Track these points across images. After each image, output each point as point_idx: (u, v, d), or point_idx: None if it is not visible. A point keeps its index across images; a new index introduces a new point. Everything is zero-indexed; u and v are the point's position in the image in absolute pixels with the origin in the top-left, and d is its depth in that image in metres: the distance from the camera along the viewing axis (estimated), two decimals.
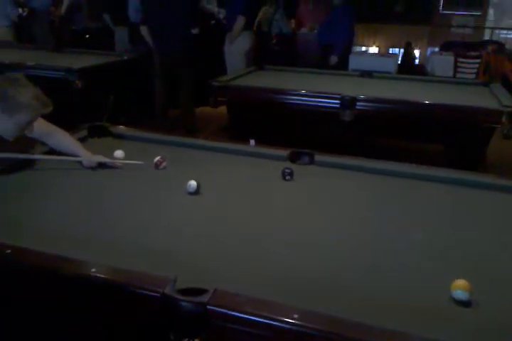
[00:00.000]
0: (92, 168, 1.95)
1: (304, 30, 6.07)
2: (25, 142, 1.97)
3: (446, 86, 3.90)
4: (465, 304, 1.15)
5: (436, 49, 7.82)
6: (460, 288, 1.16)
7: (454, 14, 9.15)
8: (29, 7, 5.83)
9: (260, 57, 5.04)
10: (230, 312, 1.06)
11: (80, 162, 1.96)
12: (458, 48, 6.34)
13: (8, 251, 1.22)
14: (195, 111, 4.86)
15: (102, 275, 1.16)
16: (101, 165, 1.96)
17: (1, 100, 1.75)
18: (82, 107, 3.79)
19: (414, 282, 1.26)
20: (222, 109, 3.81)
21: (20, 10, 5.46)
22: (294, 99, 3.37)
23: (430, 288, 1.23)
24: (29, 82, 1.81)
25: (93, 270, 1.16)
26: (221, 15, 6.02)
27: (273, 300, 1.08)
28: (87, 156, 1.96)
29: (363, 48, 9.03)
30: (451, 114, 3.11)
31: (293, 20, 6.20)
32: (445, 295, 1.17)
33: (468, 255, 1.41)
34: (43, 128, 1.94)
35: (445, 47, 7.02)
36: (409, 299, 1.18)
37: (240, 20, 4.76)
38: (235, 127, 3.78)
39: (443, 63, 5.84)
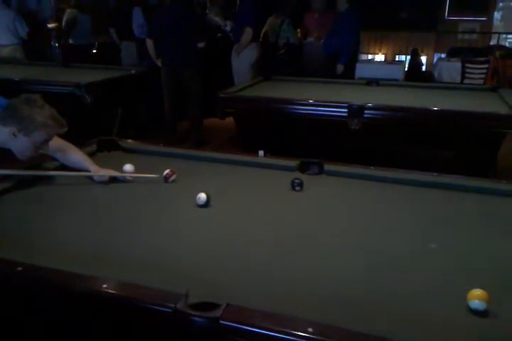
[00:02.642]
0: (104, 182, 1.96)
1: (310, 39, 6.07)
2: (36, 158, 2.00)
3: (454, 92, 3.89)
4: (482, 314, 1.13)
5: (443, 55, 7.81)
6: (477, 298, 1.13)
7: (460, 20, 9.14)
8: (38, 20, 5.92)
9: (267, 68, 5.06)
10: (243, 326, 1.04)
11: (92, 177, 1.97)
12: (465, 54, 6.32)
13: (19, 268, 1.22)
14: (203, 123, 4.89)
15: (114, 291, 1.16)
16: (112, 179, 1.97)
17: (18, 120, 1.80)
18: (91, 122, 3.83)
19: (430, 293, 1.24)
20: (230, 120, 3.82)
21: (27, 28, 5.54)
22: (302, 109, 3.36)
23: (446, 298, 1.21)
24: (45, 103, 1.86)
25: (104, 286, 1.16)
26: (228, 28, 6.07)
27: (286, 314, 1.07)
28: (97, 171, 1.97)
29: (369, 56, 9.04)
30: (459, 120, 3.09)
31: (299, 30, 6.21)
32: (461, 305, 1.15)
33: (483, 263, 1.39)
34: (53, 144, 1.97)
35: (452, 53, 7.00)
36: (426, 310, 1.16)
37: (248, 32, 4.79)
38: (242, 138, 3.78)
39: (450, 69, 5.82)
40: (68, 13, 6.31)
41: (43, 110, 1.83)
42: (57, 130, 1.88)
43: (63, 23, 6.28)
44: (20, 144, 1.85)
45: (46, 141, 1.88)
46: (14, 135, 1.82)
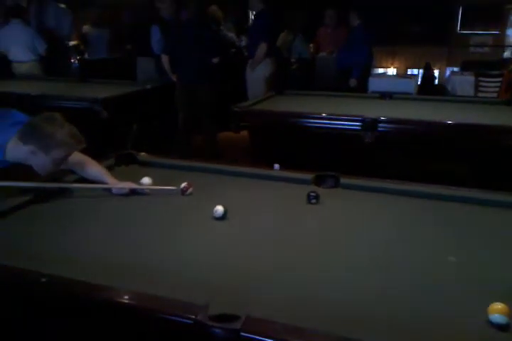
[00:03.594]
0: (122, 195, 1.99)
1: (322, 54, 6.14)
2: (56, 172, 2.04)
3: (467, 106, 3.88)
4: (504, 328, 1.12)
5: (456, 69, 7.82)
6: (498, 312, 1.13)
7: (472, 34, 9.17)
8: (58, 36, 6.05)
9: (280, 83, 5.11)
10: (263, 338, 1.05)
11: (110, 190, 2.01)
12: (478, 67, 6.32)
13: (44, 279, 1.24)
14: (217, 137, 4.93)
15: (135, 302, 1.17)
16: (131, 192, 2.00)
17: (39, 138, 1.85)
18: (106, 136, 3.88)
19: (450, 306, 1.23)
20: (244, 134, 3.85)
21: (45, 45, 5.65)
22: (315, 123, 3.38)
23: (467, 312, 1.20)
24: (65, 121, 1.91)
25: (126, 297, 1.18)
26: (243, 43, 6.16)
27: (306, 327, 1.07)
28: (116, 184, 2.01)
29: (381, 70, 9.07)
30: (474, 133, 3.08)
31: (311, 45, 6.29)
32: (482, 319, 1.15)
33: (502, 277, 1.38)
34: (72, 158, 2.01)
35: (465, 66, 7.01)
36: (447, 324, 1.15)
37: (263, 48, 4.87)
38: (256, 152, 3.81)
39: (463, 83, 5.82)
40: (83, 29, 6.49)
41: (63, 128, 1.87)
42: (76, 147, 1.93)
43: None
44: (39, 161, 1.90)
45: (65, 158, 1.93)
46: (34, 153, 1.87)
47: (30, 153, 1.87)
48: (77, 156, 2.06)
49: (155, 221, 1.77)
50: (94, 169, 2.07)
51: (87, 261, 1.43)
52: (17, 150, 1.89)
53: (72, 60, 7.07)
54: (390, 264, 1.46)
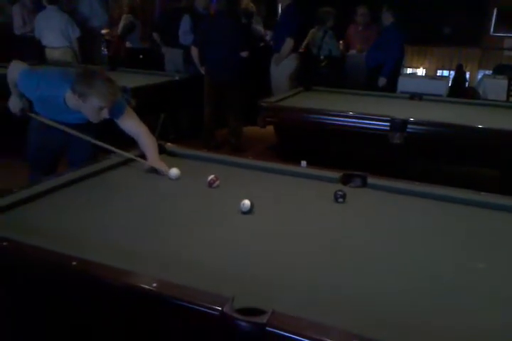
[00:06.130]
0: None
1: (352, 51, 6.08)
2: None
3: (499, 110, 3.81)
4: None
5: (488, 72, 7.67)
6: None
7: (506, 36, 8.97)
8: (89, 26, 6.12)
9: (307, 79, 5.08)
10: (288, 334, 1.05)
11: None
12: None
13: (74, 263, 1.27)
14: (242, 131, 4.93)
15: (163, 291, 1.18)
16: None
17: (79, 86, 2.07)
18: None
19: (480, 312, 1.22)
20: (269, 129, 3.84)
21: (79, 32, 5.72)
22: (341, 121, 3.36)
23: (495, 319, 1.18)
24: (104, 75, 2.15)
25: (154, 285, 1.19)
26: (268, 37, 6.13)
27: (332, 325, 1.07)
28: (150, 161, 2.18)
29: (410, 70, 8.95)
30: (505, 138, 3.02)
31: (341, 42, 6.21)
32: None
33: None
34: (127, 125, 2.29)
35: (498, 70, 6.86)
36: (479, 330, 1.14)
37: (289, 43, 4.83)
38: (282, 147, 3.80)
39: (496, 86, 5.68)
40: (125, 18, 6.54)
41: (100, 80, 2.07)
42: (110, 97, 2.09)
43: (120, 28, 6.50)
44: (83, 108, 2.15)
45: (102, 107, 2.11)
46: (77, 100, 2.11)
47: (75, 100, 2.13)
48: (136, 128, 2.27)
49: (182, 213, 1.78)
50: (142, 143, 2.26)
51: (115, 248, 1.45)
52: (70, 98, 2.17)
53: (103, 48, 7.14)
54: (411, 267, 1.45)
